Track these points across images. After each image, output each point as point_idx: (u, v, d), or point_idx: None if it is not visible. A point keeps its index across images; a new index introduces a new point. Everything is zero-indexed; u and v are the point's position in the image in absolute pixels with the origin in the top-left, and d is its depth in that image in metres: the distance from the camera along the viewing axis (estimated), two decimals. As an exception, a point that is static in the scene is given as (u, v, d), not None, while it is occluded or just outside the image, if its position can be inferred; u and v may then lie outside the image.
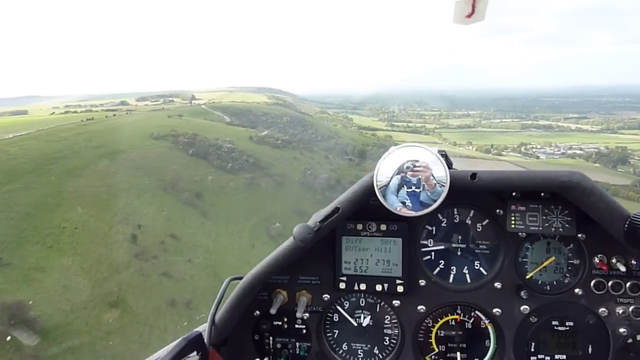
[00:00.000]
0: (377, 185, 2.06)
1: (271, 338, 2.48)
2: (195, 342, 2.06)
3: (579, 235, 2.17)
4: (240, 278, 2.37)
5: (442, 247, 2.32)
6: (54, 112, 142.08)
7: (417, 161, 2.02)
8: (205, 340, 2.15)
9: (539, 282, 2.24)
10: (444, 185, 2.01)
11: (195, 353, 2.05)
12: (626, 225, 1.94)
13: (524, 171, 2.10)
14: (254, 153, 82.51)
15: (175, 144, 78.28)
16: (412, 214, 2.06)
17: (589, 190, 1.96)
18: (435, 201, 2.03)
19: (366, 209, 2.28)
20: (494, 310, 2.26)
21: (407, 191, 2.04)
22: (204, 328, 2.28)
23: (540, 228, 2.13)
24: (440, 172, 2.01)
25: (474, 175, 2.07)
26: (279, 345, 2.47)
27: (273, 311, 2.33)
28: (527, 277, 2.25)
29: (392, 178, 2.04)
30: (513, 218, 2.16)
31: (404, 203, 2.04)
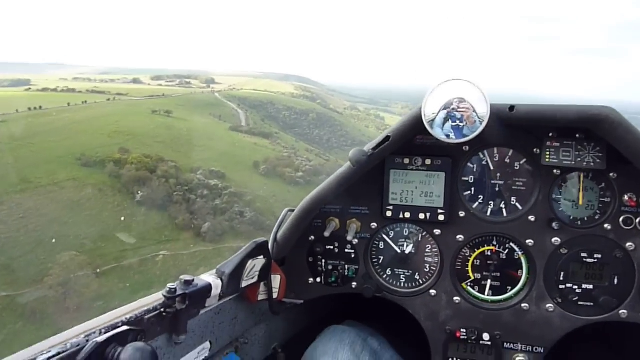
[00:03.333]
0: (425, 118, 2.10)
1: (324, 260, 2.57)
2: (262, 247, 2.22)
3: (610, 174, 2.19)
4: None
5: (482, 182, 2.36)
6: (29, 88, 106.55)
7: (464, 100, 2.05)
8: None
9: (571, 217, 2.26)
10: (483, 121, 2.04)
11: (262, 256, 2.22)
12: None
13: (558, 105, 2.10)
14: (256, 197, 45.31)
15: (116, 178, 40.51)
16: (455, 141, 2.09)
17: (617, 122, 1.97)
18: (474, 133, 2.07)
19: (413, 146, 2.37)
20: (527, 241, 2.30)
21: (451, 125, 2.08)
22: None
23: (573, 162, 2.15)
24: (482, 108, 2.04)
25: (512, 107, 2.10)
26: (330, 267, 2.56)
27: (327, 234, 2.43)
28: (579, 202, 2.26)
29: (438, 113, 2.08)
30: (548, 153, 2.18)
31: (448, 135, 2.09)
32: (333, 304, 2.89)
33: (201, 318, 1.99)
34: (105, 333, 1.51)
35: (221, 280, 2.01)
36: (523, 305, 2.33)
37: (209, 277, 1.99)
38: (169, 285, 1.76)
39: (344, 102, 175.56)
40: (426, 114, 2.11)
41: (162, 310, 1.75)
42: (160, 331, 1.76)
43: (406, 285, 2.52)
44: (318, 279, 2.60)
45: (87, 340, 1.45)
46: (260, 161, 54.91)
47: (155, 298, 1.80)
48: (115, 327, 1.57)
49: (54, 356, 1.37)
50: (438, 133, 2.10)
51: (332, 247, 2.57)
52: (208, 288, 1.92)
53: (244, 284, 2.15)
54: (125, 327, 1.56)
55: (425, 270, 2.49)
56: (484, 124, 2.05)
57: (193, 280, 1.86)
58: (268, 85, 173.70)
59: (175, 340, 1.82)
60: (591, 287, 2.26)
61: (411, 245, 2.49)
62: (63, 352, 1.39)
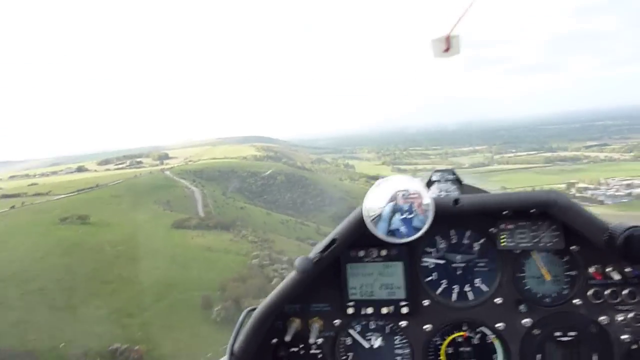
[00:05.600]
0: (366, 216, 2.01)
1: None
2: None
3: (572, 247, 2.07)
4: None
5: (442, 266, 2.21)
6: None
7: (409, 190, 1.98)
8: None
9: (538, 295, 2.12)
10: (428, 213, 1.97)
11: None
12: (605, 237, 1.88)
13: (503, 194, 2.06)
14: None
15: None
16: (399, 240, 2.00)
17: (566, 207, 1.92)
18: (424, 225, 1.98)
19: (366, 237, 2.14)
20: (497, 325, 2.15)
21: (400, 218, 1.98)
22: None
23: (530, 244, 2.06)
24: (426, 201, 1.97)
25: (456, 201, 2.02)
26: None
27: (288, 338, 2.25)
28: (547, 277, 2.12)
29: (385, 206, 1.99)
30: (503, 236, 2.08)
31: (398, 229, 1.98)
32: None
33: None
34: None
35: None
36: None
37: None
38: None
39: (310, 156, 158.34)
40: (370, 211, 1.99)
41: None
42: None
43: None
44: None
45: None
46: (215, 293, 30.70)
47: None
48: None
49: None
50: (382, 230, 1.99)
51: (296, 349, 2.33)
52: None
53: None
54: None
55: None
56: (429, 219, 1.96)
57: None
58: (227, 151, 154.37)
59: None
60: None
61: (380, 339, 2.28)
62: None
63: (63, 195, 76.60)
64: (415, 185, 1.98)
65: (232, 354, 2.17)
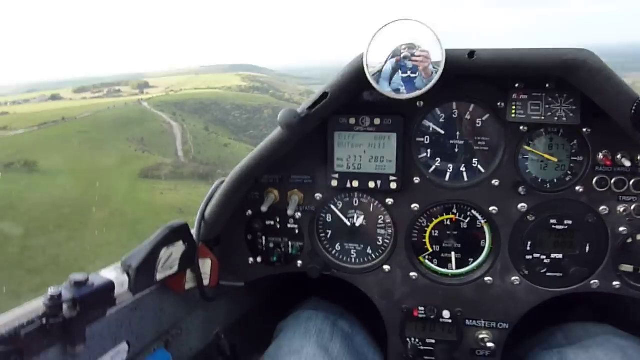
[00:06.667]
0: (367, 70, 1.68)
1: (264, 237, 2.19)
2: (179, 231, 1.75)
3: (584, 129, 1.85)
4: None
5: (439, 143, 2.00)
6: None
7: (416, 48, 1.65)
8: (195, 237, 1.89)
9: (539, 180, 1.95)
10: (437, 70, 1.66)
11: (181, 242, 1.77)
12: (634, 108, 1.63)
13: (527, 49, 1.75)
14: None
15: None
16: (404, 96, 1.71)
17: (597, 69, 1.63)
18: (427, 85, 1.68)
19: (359, 102, 1.95)
20: (491, 208, 1.99)
21: (401, 77, 1.69)
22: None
23: (543, 117, 1.83)
24: (436, 55, 1.65)
25: (472, 53, 1.71)
26: (271, 245, 2.19)
27: (264, 209, 2.05)
28: (553, 160, 1.95)
29: (386, 62, 1.67)
30: (514, 107, 1.85)
31: (397, 90, 1.69)
32: (281, 280, 2.41)
33: (110, 318, 1.56)
34: None
35: (128, 275, 1.57)
36: (486, 279, 2.05)
37: (110, 273, 1.55)
38: (52, 290, 1.33)
39: (298, 87, 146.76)
40: (370, 66, 1.67)
41: (44, 322, 1.30)
42: (47, 345, 1.33)
43: (357, 260, 2.17)
44: (258, 259, 2.19)
45: None
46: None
47: (35, 306, 1.32)
48: None
49: None
50: (384, 87, 1.69)
51: (272, 223, 2.17)
52: (109, 287, 1.49)
53: (159, 277, 1.70)
54: None
55: (378, 243, 2.14)
56: (439, 73, 1.66)
57: (87, 279, 1.41)
58: (212, 81, 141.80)
59: (71, 354, 1.38)
60: (560, 256, 1.98)
61: (362, 217, 2.12)
62: None
63: (22, 131, 66.04)
64: (425, 39, 1.63)
65: (202, 219, 1.96)
